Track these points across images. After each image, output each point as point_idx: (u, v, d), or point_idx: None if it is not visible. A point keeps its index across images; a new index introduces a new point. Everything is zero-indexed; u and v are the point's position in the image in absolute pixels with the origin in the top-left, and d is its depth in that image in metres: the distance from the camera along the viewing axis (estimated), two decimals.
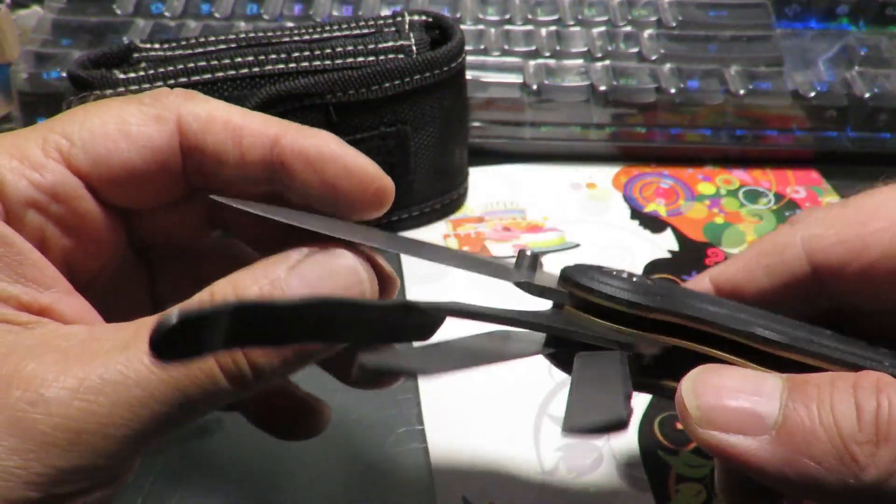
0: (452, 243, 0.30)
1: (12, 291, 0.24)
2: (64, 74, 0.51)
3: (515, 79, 0.54)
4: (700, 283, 0.31)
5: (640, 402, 0.39)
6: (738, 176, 0.54)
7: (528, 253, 0.29)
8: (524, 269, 0.29)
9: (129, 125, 0.25)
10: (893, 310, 0.28)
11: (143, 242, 0.30)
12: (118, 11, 0.56)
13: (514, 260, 0.29)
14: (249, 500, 0.35)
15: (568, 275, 0.27)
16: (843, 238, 0.27)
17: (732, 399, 0.23)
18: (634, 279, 0.27)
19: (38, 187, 0.25)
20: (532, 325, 0.26)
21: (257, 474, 0.36)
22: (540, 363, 0.40)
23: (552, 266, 0.30)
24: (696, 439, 0.24)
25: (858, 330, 0.28)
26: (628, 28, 0.57)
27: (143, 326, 0.23)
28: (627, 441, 0.37)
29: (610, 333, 0.26)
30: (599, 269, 0.27)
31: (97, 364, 0.22)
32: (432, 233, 0.49)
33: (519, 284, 0.28)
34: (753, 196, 0.53)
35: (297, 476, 0.36)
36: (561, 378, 0.40)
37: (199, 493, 0.36)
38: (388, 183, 0.27)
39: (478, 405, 0.39)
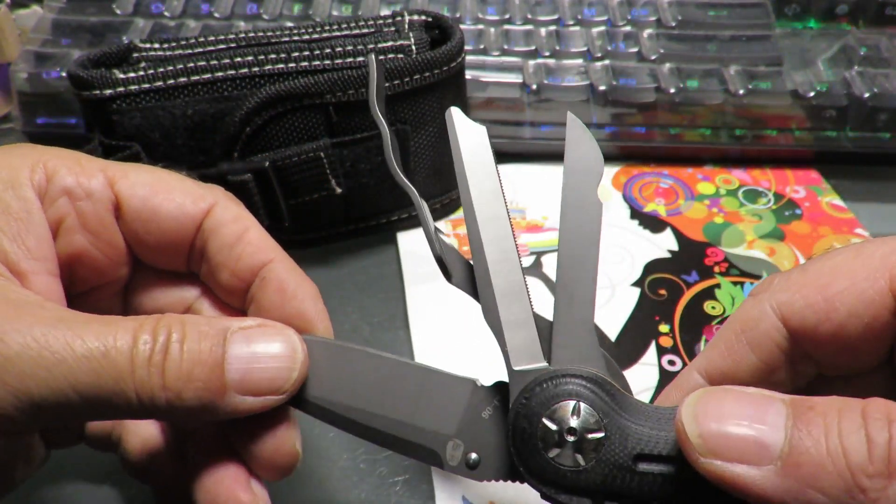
0: (452, 243, 0.31)
1: (7, 247, 0.27)
2: (64, 74, 0.51)
3: (515, 78, 0.54)
4: (689, 379, 0.30)
5: None
6: (737, 175, 0.54)
7: None
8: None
9: (176, 189, 0.30)
10: (876, 368, 0.27)
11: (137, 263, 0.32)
12: (118, 11, 0.56)
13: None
14: None
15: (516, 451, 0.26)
16: (810, 301, 0.27)
17: (735, 426, 0.22)
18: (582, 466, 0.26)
19: (80, 184, 0.29)
20: None
21: None
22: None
23: (551, 268, 0.30)
24: (697, 468, 0.23)
25: (850, 394, 0.25)
26: (628, 28, 0.57)
27: (117, 324, 0.25)
28: None
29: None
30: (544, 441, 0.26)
31: (57, 328, 0.24)
32: None
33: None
34: (753, 196, 0.53)
35: (295, 477, 0.36)
36: None
37: None
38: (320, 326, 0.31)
39: None
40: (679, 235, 0.49)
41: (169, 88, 0.41)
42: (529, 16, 0.58)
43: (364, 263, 0.48)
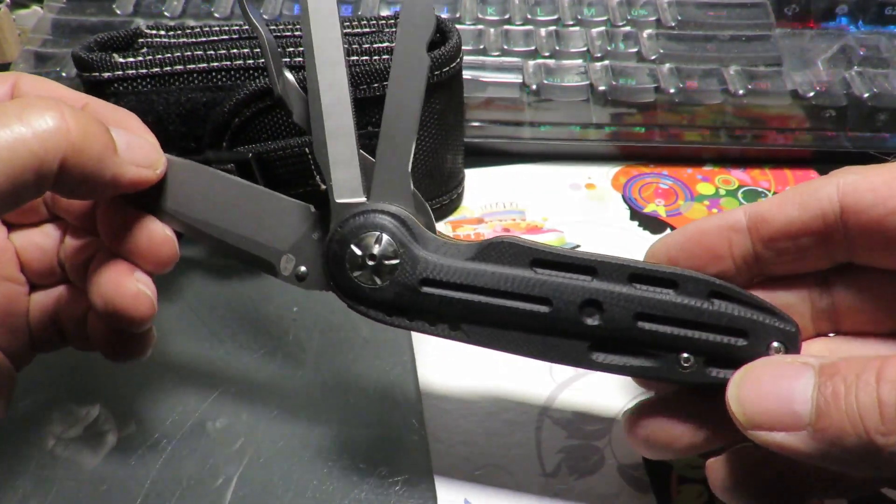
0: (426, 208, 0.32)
1: None
2: (64, 74, 0.51)
3: (515, 78, 0.54)
4: (732, 215, 0.32)
5: None
6: (737, 176, 0.54)
7: None
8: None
9: None
10: None
11: None
12: (118, 11, 0.56)
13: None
14: (246, 503, 0.36)
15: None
16: (874, 186, 0.29)
17: (771, 403, 0.27)
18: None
19: None
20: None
21: (255, 475, 0.36)
22: (539, 367, 0.41)
23: None
24: (747, 436, 0.27)
25: (864, 290, 0.31)
26: (627, 28, 0.57)
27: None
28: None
29: None
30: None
31: None
32: None
33: None
34: (752, 196, 0.53)
35: (295, 477, 0.36)
36: (562, 379, 0.40)
37: (198, 494, 0.36)
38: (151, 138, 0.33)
39: (479, 406, 0.39)
40: None
41: (165, 75, 0.42)
42: (529, 16, 0.58)
43: None
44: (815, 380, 0.26)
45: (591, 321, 0.30)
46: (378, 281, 0.31)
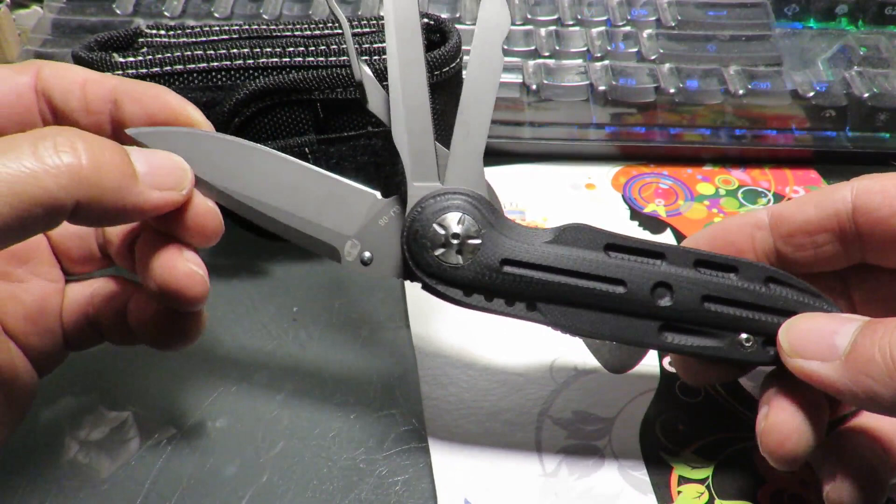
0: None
1: None
2: None
3: (515, 78, 0.54)
4: (756, 214, 0.35)
5: (643, 403, 0.39)
6: (736, 176, 0.54)
7: None
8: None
9: None
10: None
11: None
12: (118, 11, 0.56)
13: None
14: (246, 502, 0.36)
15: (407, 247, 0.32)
16: (885, 188, 0.32)
17: (814, 335, 0.30)
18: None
19: None
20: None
21: (254, 477, 0.36)
22: (540, 367, 0.41)
23: None
24: (787, 366, 0.31)
25: (878, 289, 0.34)
26: (627, 28, 0.58)
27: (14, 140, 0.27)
28: (629, 442, 0.38)
29: None
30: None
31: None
32: None
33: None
34: (752, 196, 0.53)
35: (295, 476, 0.36)
36: (562, 379, 0.40)
37: (198, 493, 0.36)
38: (191, 111, 0.33)
39: (479, 406, 0.39)
40: (679, 236, 0.50)
41: (165, 74, 0.42)
42: (529, 16, 0.58)
43: None
44: (860, 325, 0.29)
45: (663, 302, 0.32)
46: (460, 260, 0.32)
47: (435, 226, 0.32)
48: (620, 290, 0.32)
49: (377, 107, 0.34)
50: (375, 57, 0.43)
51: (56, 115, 0.33)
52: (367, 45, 0.43)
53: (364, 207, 0.33)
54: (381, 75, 0.42)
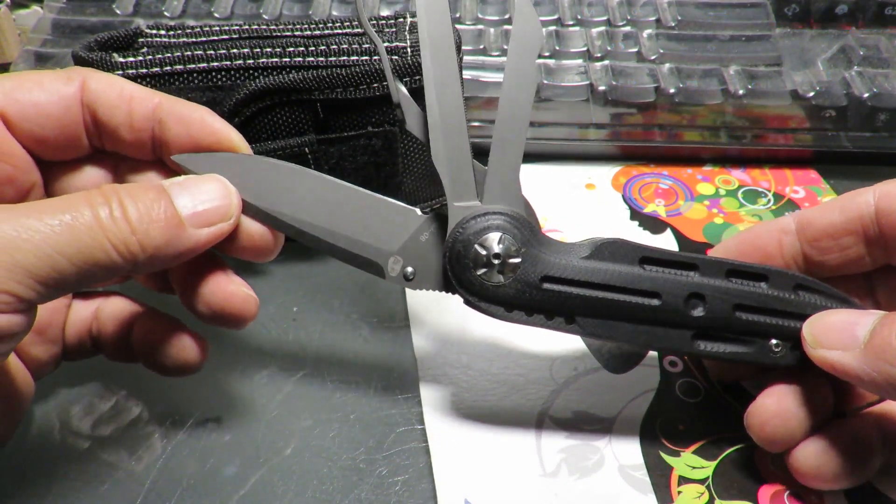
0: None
1: None
2: None
3: None
4: (783, 220, 0.37)
5: (643, 403, 0.39)
6: (736, 176, 0.54)
7: None
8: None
9: (42, 78, 0.32)
10: None
11: None
12: (118, 11, 0.56)
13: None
14: (246, 502, 0.36)
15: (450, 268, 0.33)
16: None
17: (837, 327, 0.31)
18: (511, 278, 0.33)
19: None
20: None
21: (254, 476, 0.36)
22: (540, 367, 0.41)
23: None
24: (809, 356, 0.32)
25: None
26: (627, 28, 0.58)
27: (69, 200, 0.28)
28: (629, 443, 0.38)
29: None
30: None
31: (29, 215, 0.27)
32: None
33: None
34: (752, 196, 0.53)
35: (295, 476, 0.36)
36: (562, 379, 0.40)
37: (198, 493, 0.36)
38: (234, 135, 0.34)
39: (479, 406, 0.39)
40: (679, 236, 0.50)
41: (165, 74, 0.42)
42: None
43: None
44: (880, 316, 0.31)
45: (696, 312, 0.33)
46: (501, 279, 0.33)
47: (476, 246, 0.33)
48: (656, 302, 0.33)
49: (415, 127, 0.34)
50: (376, 57, 0.43)
51: (99, 128, 0.33)
52: (367, 45, 0.43)
53: (405, 224, 0.34)
54: (382, 76, 0.42)
